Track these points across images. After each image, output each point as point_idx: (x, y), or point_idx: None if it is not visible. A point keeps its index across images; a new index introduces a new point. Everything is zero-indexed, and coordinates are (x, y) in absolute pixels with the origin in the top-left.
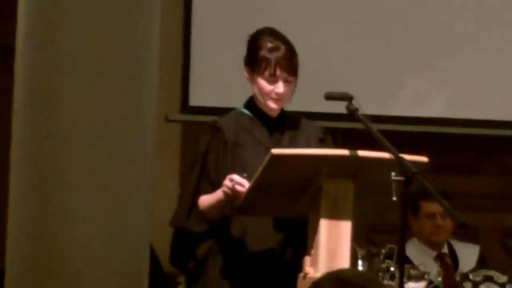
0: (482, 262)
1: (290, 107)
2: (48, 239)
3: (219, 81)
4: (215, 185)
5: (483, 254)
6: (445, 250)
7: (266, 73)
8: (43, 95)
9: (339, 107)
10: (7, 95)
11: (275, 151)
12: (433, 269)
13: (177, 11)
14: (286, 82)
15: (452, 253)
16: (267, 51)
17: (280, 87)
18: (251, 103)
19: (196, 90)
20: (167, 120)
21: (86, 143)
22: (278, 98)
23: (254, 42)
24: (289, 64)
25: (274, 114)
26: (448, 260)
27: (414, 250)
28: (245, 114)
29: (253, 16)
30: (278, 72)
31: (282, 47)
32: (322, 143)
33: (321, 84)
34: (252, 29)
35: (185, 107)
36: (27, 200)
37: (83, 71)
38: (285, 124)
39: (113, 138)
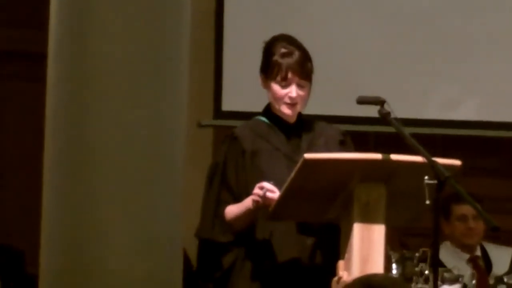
0: None
1: (322, 111)
2: (81, 247)
3: (252, 85)
4: (235, 195)
5: None
6: (478, 253)
7: (278, 77)
8: (74, 102)
9: (371, 111)
10: (37, 101)
11: (307, 155)
12: (466, 272)
13: (209, 16)
14: (299, 86)
15: (485, 256)
16: (279, 56)
17: (293, 91)
18: (268, 110)
19: (229, 95)
20: (200, 125)
21: (117, 149)
22: (292, 103)
23: (268, 49)
24: (301, 68)
25: (291, 119)
26: (481, 263)
27: (447, 254)
28: (263, 121)
29: (285, 20)
30: (289, 75)
31: (295, 52)
32: (342, 146)
33: (353, 88)
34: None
35: (218, 112)
36: (59, 208)
37: (114, 77)
38: (303, 129)
39: (144, 144)
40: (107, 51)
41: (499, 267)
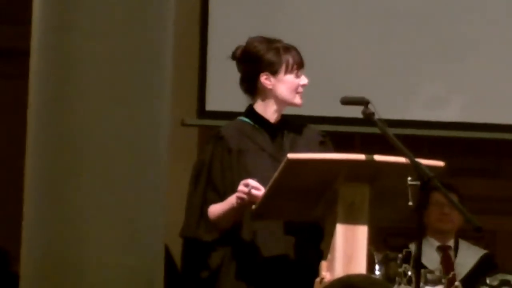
0: (484, 267)
1: (307, 111)
2: (62, 244)
3: (236, 85)
4: (220, 194)
5: (489, 260)
6: (451, 244)
7: (295, 66)
8: (57, 99)
9: (356, 112)
10: (20, 98)
11: (291, 155)
12: (434, 260)
13: (194, 15)
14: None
15: (456, 251)
16: (285, 51)
17: (304, 79)
18: (250, 111)
19: (213, 95)
20: (184, 124)
21: (101, 146)
22: (301, 91)
23: (262, 49)
24: (301, 59)
25: (274, 120)
26: (452, 253)
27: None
28: (246, 122)
29: (269, 20)
30: (302, 64)
31: (289, 45)
32: (322, 146)
33: (337, 88)
34: (270, 33)
35: (202, 111)
36: (41, 205)
37: (97, 75)
38: (285, 129)
39: (128, 142)
40: (90, 49)
41: (461, 267)
